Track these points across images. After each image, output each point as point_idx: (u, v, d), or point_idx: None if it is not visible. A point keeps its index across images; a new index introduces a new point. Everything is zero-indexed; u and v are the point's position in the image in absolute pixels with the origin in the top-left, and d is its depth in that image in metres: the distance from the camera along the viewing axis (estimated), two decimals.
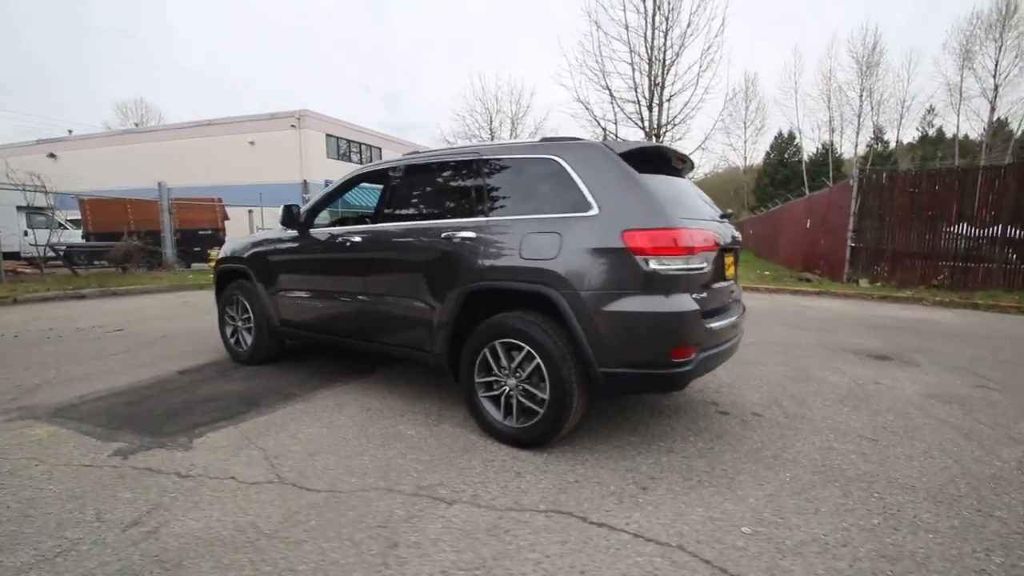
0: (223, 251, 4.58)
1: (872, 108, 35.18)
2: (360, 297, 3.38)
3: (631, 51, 16.01)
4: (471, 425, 3.02)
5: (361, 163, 28.49)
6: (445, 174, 3.19)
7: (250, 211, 12.07)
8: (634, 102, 16.32)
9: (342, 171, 28.57)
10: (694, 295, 2.46)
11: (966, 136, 35.87)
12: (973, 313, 8.48)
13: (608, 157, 2.63)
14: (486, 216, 2.85)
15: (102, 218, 13.70)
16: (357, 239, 3.38)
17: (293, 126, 24.27)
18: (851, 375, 4.36)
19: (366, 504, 2.17)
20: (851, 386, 4.03)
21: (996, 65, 30.38)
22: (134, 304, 8.23)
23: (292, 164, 24.38)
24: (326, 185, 25.98)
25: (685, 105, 16.14)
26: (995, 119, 32.02)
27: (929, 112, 39.98)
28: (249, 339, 4.27)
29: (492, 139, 26.43)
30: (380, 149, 29.75)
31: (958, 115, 32.91)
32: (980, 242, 10.35)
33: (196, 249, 14.32)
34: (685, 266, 2.42)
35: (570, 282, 2.48)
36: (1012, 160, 22.10)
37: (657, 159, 2.78)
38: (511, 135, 26.18)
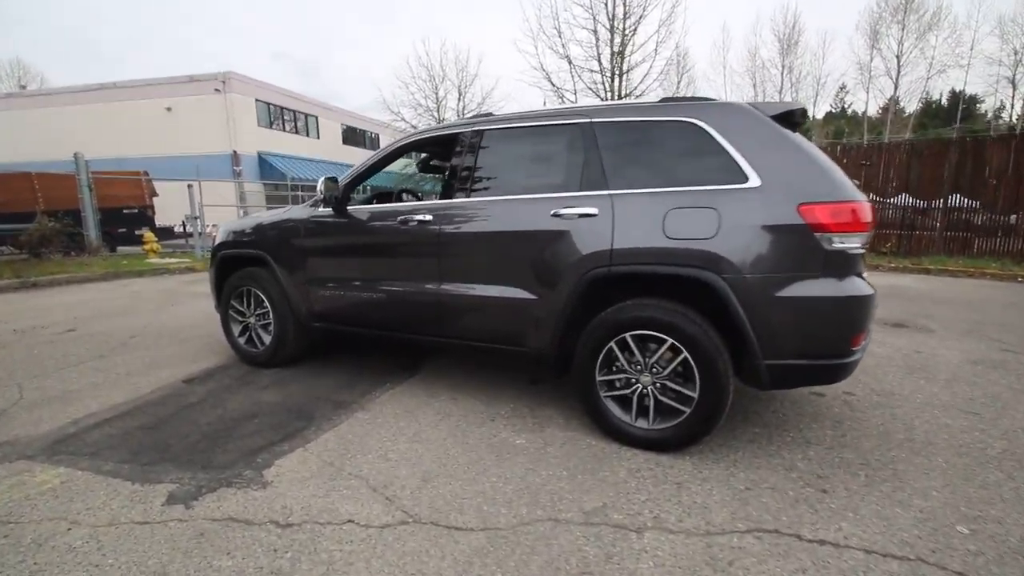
0: (223, 234, 3.83)
1: (792, 85, 37.08)
2: (430, 286, 2.88)
3: (593, 19, 15.61)
4: (578, 426, 2.68)
5: (296, 132, 26.33)
6: (544, 140, 2.72)
7: (190, 186, 10.64)
8: (596, 71, 16.02)
9: (277, 141, 26.24)
10: (864, 276, 2.23)
11: (876, 112, 38.85)
12: (931, 277, 9.09)
13: (760, 120, 2.30)
14: (608, 189, 2.44)
15: (2, 197, 11.65)
16: (426, 217, 2.86)
17: (217, 90, 21.79)
18: (889, 344, 4.41)
19: (544, 543, 1.79)
20: (903, 356, 4.06)
21: (900, 46, 32.79)
22: (71, 297, 7.01)
23: (219, 133, 22.01)
24: (260, 158, 23.89)
25: (645, 76, 16.07)
26: (895, 97, 34.77)
27: (841, 89, 42.82)
28: (267, 337, 3.63)
29: (439, 109, 25.21)
30: (316, 117, 27.62)
31: (867, 92, 35.39)
32: (915, 212, 11.19)
33: (121, 230, 12.60)
34: (859, 244, 2.16)
35: (735, 265, 2.16)
36: (911, 137, 24.21)
37: (790, 121, 2.49)
38: (459, 104, 25.12)
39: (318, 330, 3.46)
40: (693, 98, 2.50)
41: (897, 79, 33.56)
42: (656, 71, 15.94)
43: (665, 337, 2.30)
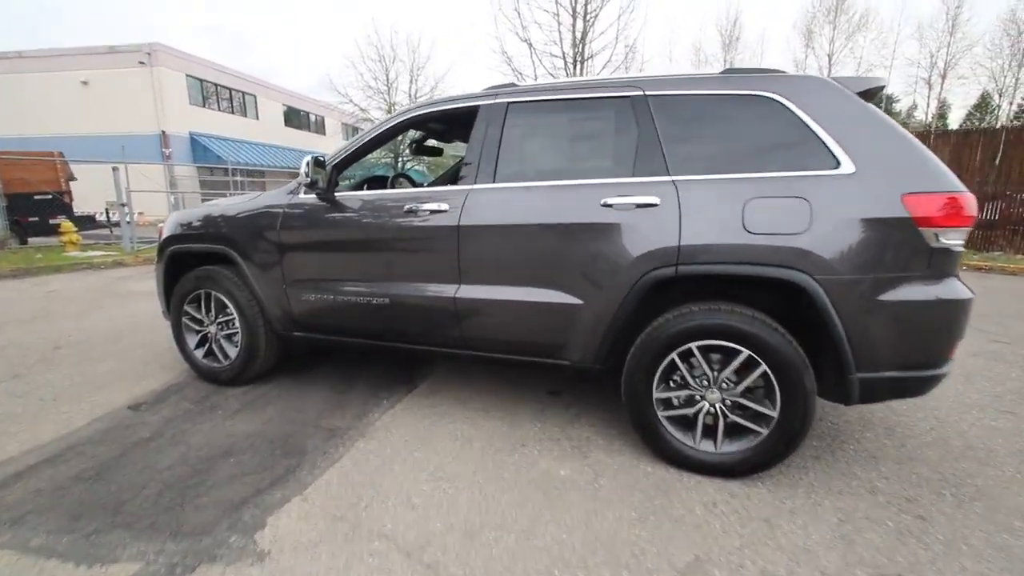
0: (172, 225, 3.17)
1: None
2: (446, 289, 2.42)
3: (556, 2, 15.18)
4: (624, 447, 2.34)
5: (233, 112, 24.38)
6: (587, 115, 2.31)
7: (115, 168, 9.39)
8: (558, 56, 15.63)
9: (211, 121, 24.36)
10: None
11: None
12: None
13: (846, 96, 1.99)
14: (669, 174, 2.07)
15: None
16: (441, 207, 2.38)
17: (142, 63, 19.70)
18: None
19: None
20: None
21: (831, 45, 34.39)
22: None
23: (145, 111, 19.98)
24: (192, 139, 22.03)
25: (606, 64, 15.84)
26: None
27: None
28: (233, 350, 3.04)
29: (389, 91, 24.00)
30: (255, 96, 25.68)
31: None
32: None
33: (32, 219, 11.07)
34: (962, 241, 1.91)
35: (831, 264, 1.85)
36: None
37: (866, 100, 2.21)
38: (411, 88, 24.02)
39: (299, 341, 2.91)
40: (762, 69, 2.16)
41: (828, 76, 35.18)
42: (619, 59, 15.74)
43: (740, 348, 1.98)
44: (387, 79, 23.97)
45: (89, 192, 13.30)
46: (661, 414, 2.15)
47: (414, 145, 3.51)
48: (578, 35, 15.51)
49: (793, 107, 1.99)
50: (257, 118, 25.89)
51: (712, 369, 2.06)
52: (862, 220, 1.84)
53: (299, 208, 2.73)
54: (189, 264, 3.12)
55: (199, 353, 3.15)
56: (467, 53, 34.42)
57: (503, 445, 2.39)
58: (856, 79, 2.05)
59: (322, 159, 2.59)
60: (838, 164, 1.90)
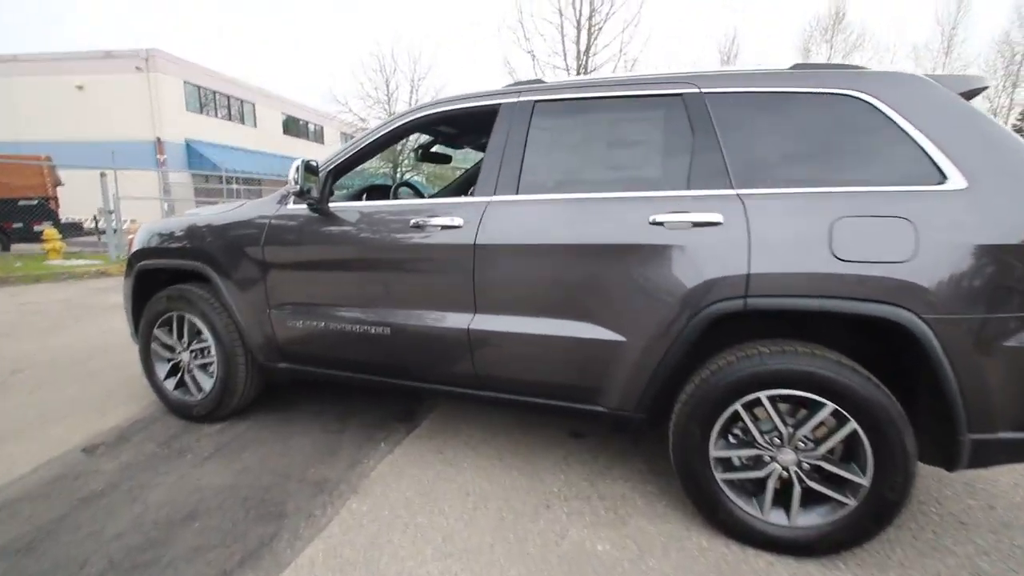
0: (143, 237, 2.78)
1: None
2: (458, 318, 2.04)
3: (560, 12, 15.04)
4: (669, 511, 1.96)
5: (231, 119, 24.08)
6: (630, 117, 1.95)
7: (103, 174, 9.01)
8: (561, 68, 15.45)
9: (208, 128, 24.11)
10: None
11: None
12: None
13: (949, 98, 1.65)
14: (733, 186, 1.72)
15: None
16: (454, 221, 2.02)
17: (139, 68, 19.41)
18: None
19: None
20: None
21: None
22: None
23: (140, 117, 19.63)
24: (187, 146, 21.77)
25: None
26: None
27: None
28: (207, 381, 2.64)
29: (389, 101, 23.74)
30: (254, 104, 25.43)
31: None
32: None
33: (17, 225, 10.65)
34: None
35: (942, 300, 1.49)
36: None
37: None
38: (411, 98, 23.79)
39: (284, 373, 2.52)
40: (837, 65, 1.82)
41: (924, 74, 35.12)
42: (622, 70, 15.55)
43: (823, 400, 1.61)
44: (387, 89, 23.80)
45: (79, 198, 12.90)
46: (720, 476, 1.77)
47: (420, 151, 3.15)
48: (582, 47, 15.34)
49: (885, 108, 1.64)
50: (255, 126, 25.62)
51: (785, 424, 1.69)
52: (979, 247, 1.49)
53: (287, 220, 2.35)
54: (161, 282, 2.73)
55: (169, 384, 2.75)
56: (469, 63, 34.38)
57: (524, 506, 2.00)
58: (956, 78, 1.71)
59: (315, 164, 2.22)
60: (944, 178, 1.55)
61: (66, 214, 12.74)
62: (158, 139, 19.82)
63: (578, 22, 15.16)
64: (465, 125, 2.63)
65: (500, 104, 2.10)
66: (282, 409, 2.88)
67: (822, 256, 1.57)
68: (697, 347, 1.76)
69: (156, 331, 2.73)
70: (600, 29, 15.30)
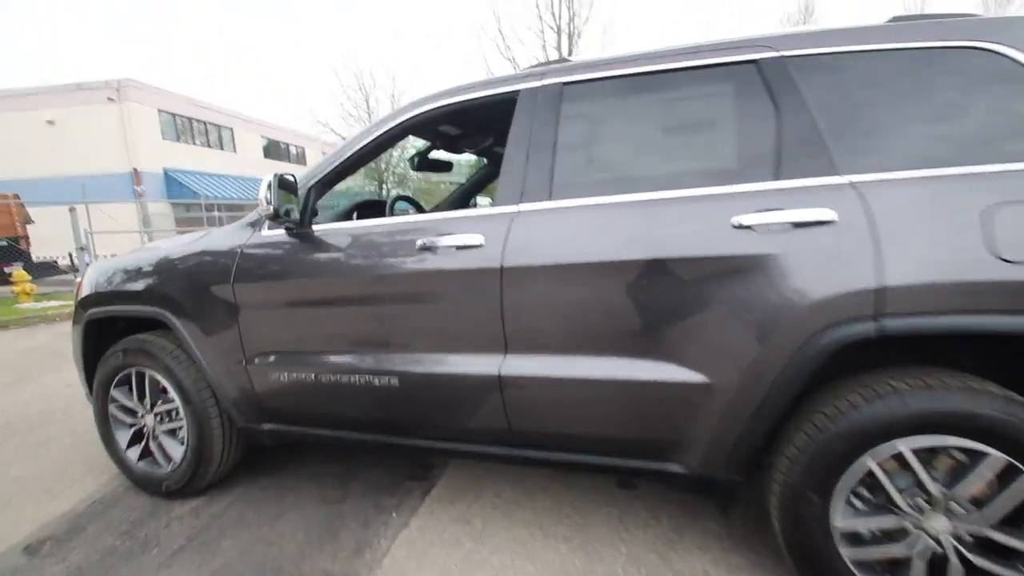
0: (92, 280, 2.32)
1: None
2: (484, 362, 1.62)
3: (539, 17, 14.83)
4: None
5: (209, 146, 23.55)
6: (688, 94, 1.54)
7: (72, 209, 8.49)
8: None
9: (186, 156, 23.65)
10: None
11: None
12: None
13: None
14: (838, 172, 1.31)
15: None
16: (473, 240, 1.59)
17: (111, 99, 18.85)
18: None
19: None
20: None
21: None
22: None
23: (115, 149, 19.06)
24: (166, 175, 21.28)
25: None
26: None
27: None
28: (177, 449, 2.19)
29: (370, 119, 23.35)
30: (232, 130, 24.93)
31: None
32: None
33: None
34: None
35: None
36: None
37: None
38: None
39: (269, 435, 2.07)
40: (941, 15, 1.44)
41: None
42: None
43: (987, 450, 1.20)
44: (367, 106, 23.48)
45: (53, 236, 12.33)
46: (846, 554, 1.35)
47: (416, 159, 2.72)
48: (564, 52, 15.09)
49: None
50: (235, 151, 25.09)
51: (935, 481, 1.27)
52: None
53: (262, 250, 1.91)
54: (118, 331, 2.28)
55: (133, 454, 2.29)
56: (448, 71, 34.18)
57: None
58: None
59: (291, 179, 1.79)
60: None
61: (39, 253, 12.16)
62: (135, 170, 19.24)
63: (558, 27, 14.94)
64: (473, 122, 2.23)
65: (519, 91, 1.69)
66: (271, 473, 2.42)
67: (979, 256, 1.17)
68: (813, 385, 1.35)
69: (114, 392, 2.27)
70: (579, 35, 15.10)
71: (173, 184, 20.36)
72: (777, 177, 1.37)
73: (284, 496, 2.22)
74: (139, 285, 2.13)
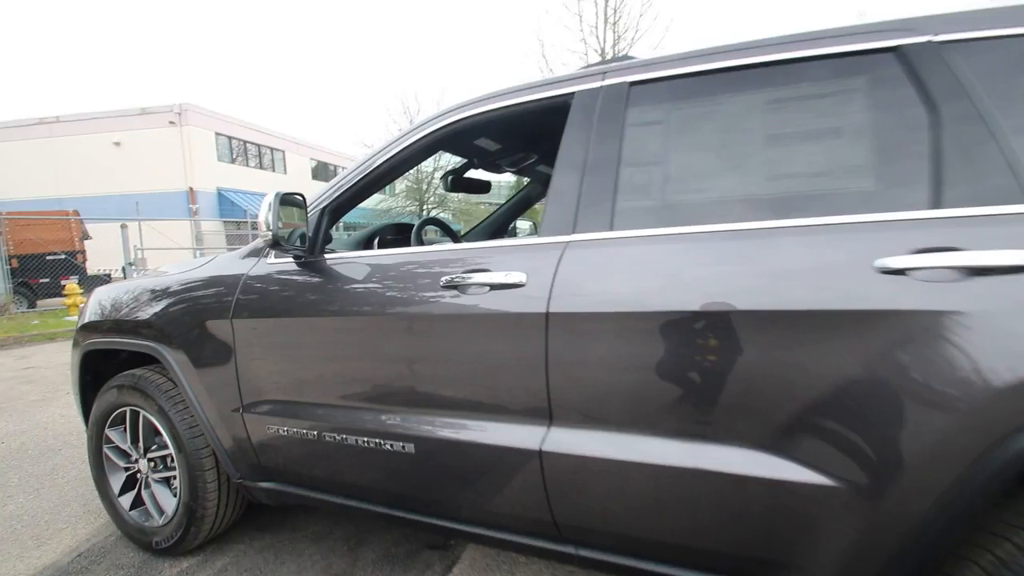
0: (96, 304, 2.13)
1: None
2: (522, 434, 1.27)
3: (583, 40, 14.72)
4: None
5: (261, 167, 24.50)
6: (802, 94, 1.16)
7: (123, 226, 8.79)
8: None
9: (238, 177, 24.75)
10: None
11: None
12: None
13: None
14: None
15: None
16: (509, 278, 1.26)
17: (172, 123, 19.92)
18: None
19: None
20: None
21: None
22: None
23: (173, 169, 20.05)
24: (219, 195, 22.29)
25: None
26: None
27: None
28: (170, 501, 1.93)
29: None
30: (283, 152, 25.90)
31: None
32: None
33: (43, 280, 10.51)
34: None
35: None
36: None
37: None
38: None
39: (268, 495, 1.77)
40: None
41: None
42: None
43: None
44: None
45: (110, 251, 12.89)
46: None
47: (449, 179, 2.43)
48: None
49: None
50: (285, 172, 26.02)
51: None
52: None
53: (264, 282, 1.65)
54: (113, 365, 2.06)
55: (125, 501, 2.04)
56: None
57: None
58: None
59: (299, 198, 1.53)
60: None
61: (95, 267, 12.69)
62: (191, 189, 20.13)
63: (602, 49, 14.75)
64: (514, 133, 1.93)
65: (573, 94, 1.37)
66: (272, 528, 2.12)
67: None
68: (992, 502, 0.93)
69: (108, 431, 2.04)
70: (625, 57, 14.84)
71: (225, 203, 21.18)
72: (937, 203, 0.98)
73: (283, 562, 1.91)
74: (136, 315, 1.90)
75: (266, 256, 1.67)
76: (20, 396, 4.39)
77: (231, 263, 1.75)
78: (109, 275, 12.91)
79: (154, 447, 1.97)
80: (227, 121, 22.22)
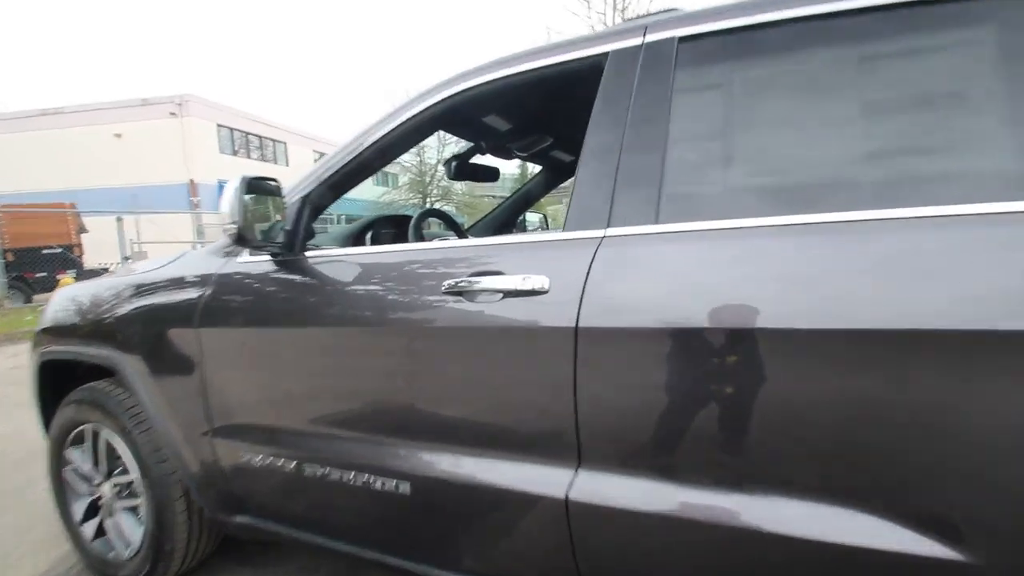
0: (57, 307, 1.88)
1: None
2: (538, 474, 1.02)
3: (593, 30, 14.32)
4: None
5: (263, 159, 24.24)
6: (905, 45, 0.88)
7: (119, 219, 8.58)
8: None
9: (240, 169, 24.85)
10: None
11: None
12: None
13: None
14: None
15: None
16: (526, 284, 1.01)
17: (173, 114, 19.67)
18: None
19: None
20: None
21: None
22: None
23: (174, 161, 19.82)
24: (220, 187, 22.34)
25: None
26: None
27: None
28: (136, 531, 1.69)
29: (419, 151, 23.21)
30: (285, 144, 25.63)
31: None
32: None
33: (40, 274, 10.32)
34: None
35: None
36: None
37: None
38: (440, 143, 23.21)
39: (243, 530, 1.53)
40: None
41: None
42: None
43: None
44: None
45: (109, 244, 12.72)
46: None
47: (452, 165, 2.16)
48: None
49: None
50: (287, 164, 25.78)
51: None
52: None
53: (235, 284, 1.40)
54: (71, 378, 1.82)
55: (88, 529, 1.81)
56: None
57: None
58: None
59: (273, 184, 1.27)
60: None
61: (93, 261, 12.51)
62: (191, 181, 19.91)
63: None
64: (530, 109, 1.66)
65: (606, 54, 1.11)
66: (254, 563, 1.89)
67: None
68: None
69: (68, 452, 1.81)
70: None
71: None
72: None
73: None
74: (93, 320, 1.66)
75: (237, 255, 1.42)
76: (5, 397, 4.19)
77: (199, 261, 1.50)
78: (107, 269, 12.75)
79: (118, 471, 1.73)
80: (229, 112, 21.97)
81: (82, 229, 11.41)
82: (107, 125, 20.06)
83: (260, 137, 24.01)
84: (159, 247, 10.63)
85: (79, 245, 11.29)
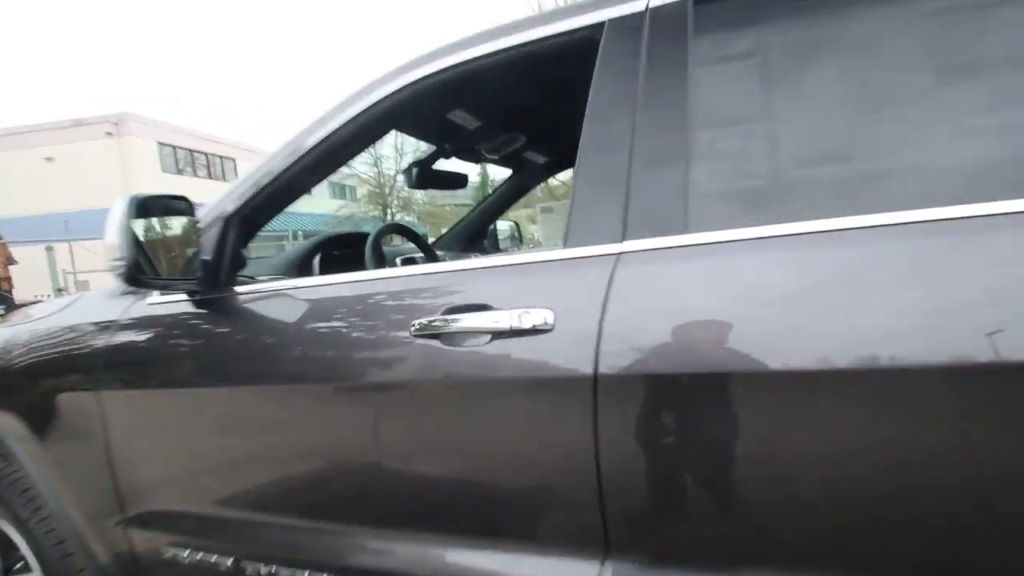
0: None
1: None
2: (553, 571, 0.77)
3: None
4: None
5: (211, 178, 23.15)
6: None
7: (48, 248, 7.87)
8: None
9: (187, 188, 23.82)
10: None
11: None
12: None
13: None
14: None
15: None
16: (525, 320, 0.77)
17: (110, 134, 18.58)
18: None
19: None
20: None
21: None
22: None
23: (113, 183, 18.69)
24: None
25: None
26: None
27: None
28: None
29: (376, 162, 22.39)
30: (235, 160, 24.57)
31: None
32: None
33: None
34: None
35: None
36: None
37: None
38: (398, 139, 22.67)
39: None
40: None
41: None
42: None
43: None
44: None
45: (45, 275, 11.75)
46: None
47: (413, 171, 1.88)
48: None
49: None
50: None
51: None
52: None
53: (142, 333, 1.10)
54: None
55: None
56: None
57: None
58: None
59: (181, 204, 1.00)
60: None
61: (28, 294, 11.51)
62: None
63: None
64: (504, 100, 1.42)
65: (602, 24, 0.88)
66: None
67: None
68: None
69: None
70: None
71: None
72: None
73: None
74: None
75: (146, 295, 1.13)
76: None
77: (98, 305, 1.20)
78: (40, 303, 11.77)
79: (18, 566, 1.40)
80: (170, 130, 20.93)
81: (10, 260, 10.44)
82: (37, 148, 18.78)
83: (206, 154, 22.96)
84: (102, 276, 9.87)
85: (7, 279, 10.32)
